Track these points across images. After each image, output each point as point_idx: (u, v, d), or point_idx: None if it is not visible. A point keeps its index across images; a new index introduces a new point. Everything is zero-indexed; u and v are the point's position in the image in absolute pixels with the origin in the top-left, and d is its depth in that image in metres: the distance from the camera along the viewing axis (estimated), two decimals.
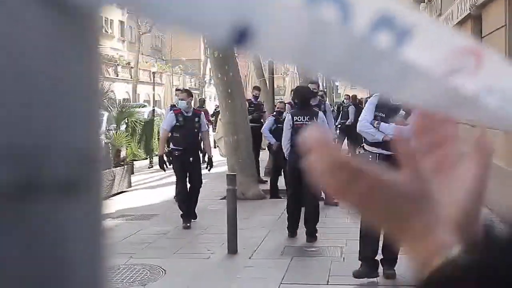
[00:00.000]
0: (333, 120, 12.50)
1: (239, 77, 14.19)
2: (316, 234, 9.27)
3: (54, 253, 0.52)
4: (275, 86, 21.20)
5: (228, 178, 8.94)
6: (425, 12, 25.59)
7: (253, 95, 16.86)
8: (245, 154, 13.70)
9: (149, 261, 8.19)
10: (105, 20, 61.73)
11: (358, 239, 7.42)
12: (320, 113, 9.87)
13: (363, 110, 7.73)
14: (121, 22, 68.34)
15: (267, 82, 20.47)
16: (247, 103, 15.76)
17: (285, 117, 13.58)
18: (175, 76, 61.25)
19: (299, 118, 9.40)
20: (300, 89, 10.75)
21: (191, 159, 10.44)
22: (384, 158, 7.19)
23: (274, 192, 13.73)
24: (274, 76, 20.02)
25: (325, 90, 36.45)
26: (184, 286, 7.21)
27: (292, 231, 9.53)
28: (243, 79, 18.14)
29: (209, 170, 10.92)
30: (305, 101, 9.78)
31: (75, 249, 0.56)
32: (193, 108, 11.05)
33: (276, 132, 13.17)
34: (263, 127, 14.42)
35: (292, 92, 10.56)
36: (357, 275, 7.20)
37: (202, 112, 11.45)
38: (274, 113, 13.92)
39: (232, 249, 8.54)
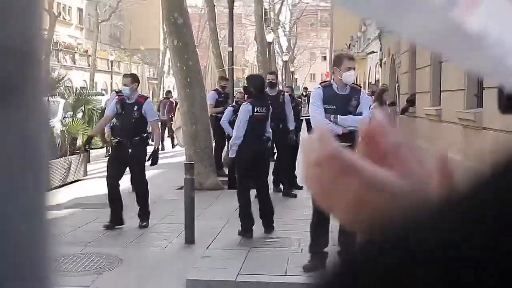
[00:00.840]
0: (292, 113, 12.45)
1: (199, 67, 14.11)
2: (273, 225, 9.23)
3: None
4: (234, 77, 21.13)
5: (186, 167, 8.85)
6: None
7: (221, 85, 16.47)
8: (203, 144, 13.63)
9: (105, 250, 8.09)
10: (63, 7, 61.01)
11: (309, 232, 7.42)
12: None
13: (310, 105, 7.60)
14: (80, 10, 67.59)
15: (227, 72, 20.41)
16: (216, 94, 15.63)
17: None
18: (133, 65, 60.85)
19: (259, 109, 9.14)
20: (256, 77, 10.57)
21: (129, 150, 9.49)
22: None
23: (232, 183, 13.68)
24: (234, 67, 19.91)
25: (285, 82, 36.49)
26: (140, 275, 7.13)
27: (249, 232, 8.99)
28: (202, 69, 18.04)
29: (151, 165, 9.98)
30: (262, 90, 9.62)
31: None
32: (138, 96, 9.97)
33: (233, 123, 13.14)
34: (222, 119, 14.36)
35: (246, 80, 10.19)
36: (308, 269, 7.18)
37: (147, 100, 10.25)
38: (233, 104, 13.87)
39: (189, 239, 8.48)
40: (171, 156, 19.08)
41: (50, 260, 0.55)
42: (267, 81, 13.40)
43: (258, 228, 9.33)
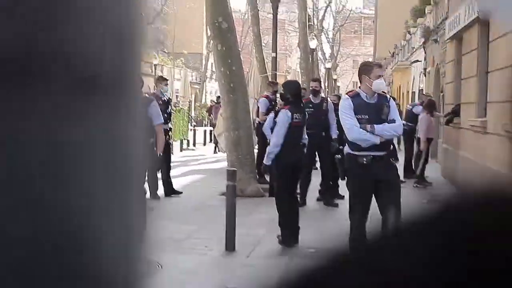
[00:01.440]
0: (335, 121, 12.31)
1: (242, 72, 14.05)
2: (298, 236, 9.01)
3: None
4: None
5: (228, 173, 8.78)
6: (431, 15, 25.50)
7: (272, 91, 15.84)
8: (245, 150, 13.56)
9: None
10: None
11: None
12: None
13: (341, 117, 7.47)
14: None
15: (269, 78, 20.36)
16: (267, 100, 15.31)
17: None
18: (176, 69, 61.13)
19: (298, 116, 8.97)
20: (292, 83, 10.37)
21: None
22: (377, 159, 7.10)
23: (273, 191, 13.60)
24: (277, 73, 19.88)
25: (327, 89, 36.36)
26: (179, 281, 7.08)
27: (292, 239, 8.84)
28: (245, 75, 18.01)
29: None
30: (299, 96, 9.44)
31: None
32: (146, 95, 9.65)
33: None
34: (264, 126, 14.28)
35: (282, 86, 9.97)
36: None
37: (154, 100, 10.30)
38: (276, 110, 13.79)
39: (230, 246, 8.41)
40: (213, 162, 19.05)
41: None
42: (311, 88, 13.31)
43: (300, 237, 9.25)
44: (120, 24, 0.47)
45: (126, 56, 0.48)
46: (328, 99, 13.89)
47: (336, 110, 13.43)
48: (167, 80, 14.15)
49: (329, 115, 12.56)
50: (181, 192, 12.75)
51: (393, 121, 7.18)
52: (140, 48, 0.50)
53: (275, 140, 8.85)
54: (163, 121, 10.50)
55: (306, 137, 9.35)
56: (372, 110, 7.14)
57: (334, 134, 12.28)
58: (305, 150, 9.52)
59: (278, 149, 8.75)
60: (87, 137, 0.45)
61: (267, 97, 15.49)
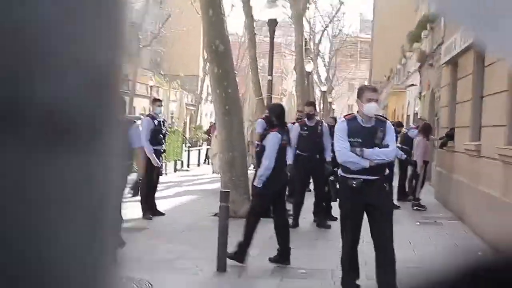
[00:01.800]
0: (330, 143, 12.34)
1: (238, 94, 14.11)
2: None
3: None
4: None
5: (222, 194, 8.81)
6: (427, 39, 25.63)
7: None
8: (239, 171, 13.58)
9: (136, 274, 8.05)
10: None
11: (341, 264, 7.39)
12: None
13: (334, 139, 7.50)
14: None
15: (265, 101, 20.42)
16: (265, 122, 15.13)
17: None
18: (172, 91, 61.22)
19: (284, 138, 9.09)
20: (277, 106, 10.30)
21: None
22: (369, 183, 7.12)
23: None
24: (272, 95, 19.91)
25: (322, 112, 36.45)
26: None
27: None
28: (241, 97, 18.05)
29: (132, 196, 9.33)
30: (283, 118, 9.46)
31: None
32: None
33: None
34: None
35: (268, 110, 10.00)
36: None
37: (136, 123, 10.04)
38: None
39: (222, 267, 8.42)
40: (207, 183, 19.06)
41: None
42: (305, 112, 13.38)
43: (292, 258, 9.27)
44: (100, 70, 0.48)
45: (105, 100, 0.49)
46: (323, 122, 13.93)
47: (332, 133, 13.55)
48: (161, 101, 14.26)
49: (324, 138, 12.64)
50: (164, 214, 12.68)
51: (387, 146, 7.19)
52: (120, 89, 0.51)
53: (267, 163, 8.86)
54: (142, 144, 10.16)
55: (291, 156, 9.47)
56: (366, 134, 7.16)
57: (328, 156, 12.33)
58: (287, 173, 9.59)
59: (270, 172, 8.78)
60: (60, 182, 0.46)
61: (264, 118, 15.38)
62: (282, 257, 8.91)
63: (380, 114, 7.70)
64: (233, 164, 13.51)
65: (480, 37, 0.69)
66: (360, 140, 7.13)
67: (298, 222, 12.49)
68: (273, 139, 8.89)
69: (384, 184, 7.33)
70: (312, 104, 14.11)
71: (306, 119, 13.03)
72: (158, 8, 56.61)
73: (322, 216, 12.71)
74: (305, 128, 12.69)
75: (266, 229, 11.82)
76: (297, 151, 12.39)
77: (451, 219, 14.15)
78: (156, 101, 13.78)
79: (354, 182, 7.10)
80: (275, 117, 9.16)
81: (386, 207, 7.24)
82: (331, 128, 14.12)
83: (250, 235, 8.93)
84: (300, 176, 12.70)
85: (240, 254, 8.80)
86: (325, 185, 12.75)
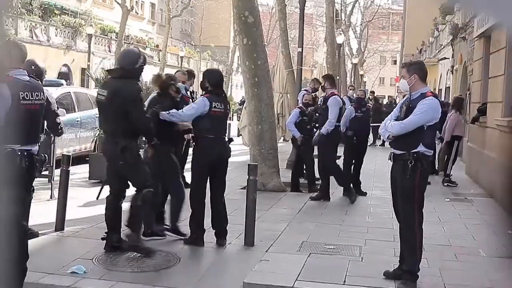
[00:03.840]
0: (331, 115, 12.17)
1: (267, 66, 13.95)
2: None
3: None
4: (302, 78, 21.01)
5: (250, 168, 8.74)
6: (459, 12, 25.25)
7: (313, 87, 15.09)
8: (268, 144, 13.51)
9: (164, 247, 8.05)
10: (136, 1, 61.76)
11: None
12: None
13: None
14: (152, 4, 68.36)
15: (295, 73, 20.31)
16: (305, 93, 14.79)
17: (310, 109, 13.44)
18: (203, 62, 61.27)
19: (217, 105, 8.39)
20: (214, 72, 9.38)
21: None
22: (394, 157, 7.05)
23: (295, 186, 13.59)
24: (303, 67, 19.80)
25: (353, 85, 36.19)
26: (197, 274, 7.07)
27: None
28: (271, 69, 17.94)
29: None
30: (221, 86, 8.74)
31: None
32: None
33: (301, 124, 13.04)
34: (288, 120, 14.29)
35: (203, 75, 8.80)
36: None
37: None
38: (300, 105, 13.74)
39: (249, 241, 8.39)
40: (237, 155, 18.97)
41: None
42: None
43: (319, 233, 9.23)
44: None
45: None
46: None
47: (363, 107, 13.59)
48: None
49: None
50: None
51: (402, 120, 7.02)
52: None
53: (180, 114, 8.37)
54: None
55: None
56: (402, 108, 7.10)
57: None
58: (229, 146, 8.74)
59: (174, 119, 8.34)
60: None
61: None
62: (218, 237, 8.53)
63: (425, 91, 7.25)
64: (262, 137, 13.44)
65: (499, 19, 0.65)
66: (398, 114, 7.10)
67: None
68: (199, 102, 8.45)
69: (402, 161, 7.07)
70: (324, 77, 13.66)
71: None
72: None
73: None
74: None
75: (295, 204, 11.81)
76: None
77: (482, 195, 13.98)
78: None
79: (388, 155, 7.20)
80: (209, 84, 8.52)
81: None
82: (361, 101, 14.04)
83: (194, 214, 8.52)
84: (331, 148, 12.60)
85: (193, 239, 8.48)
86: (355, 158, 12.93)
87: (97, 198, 8.19)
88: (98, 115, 8.10)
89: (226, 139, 8.69)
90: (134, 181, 7.64)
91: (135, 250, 7.62)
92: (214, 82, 8.54)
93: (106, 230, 7.81)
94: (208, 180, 8.50)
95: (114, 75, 7.85)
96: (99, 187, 8.23)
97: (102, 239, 7.82)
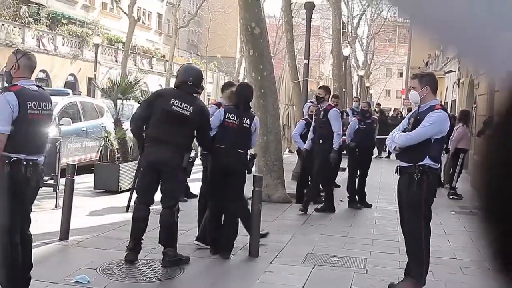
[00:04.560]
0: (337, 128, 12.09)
1: (273, 77, 13.95)
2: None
3: None
4: (308, 89, 21.01)
5: (255, 179, 8.74)
6: None
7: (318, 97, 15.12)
8: (274, 156, 13.49)
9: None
10: (143, 11, 61.89)
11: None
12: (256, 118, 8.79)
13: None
14: (159, 15, 68.54)
15: (301, 84, 20.32)
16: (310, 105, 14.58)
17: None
18: (209, 73, 61.25)
19: (231, 117, 8.45)
20: (242, 86, 9.37)
21: None
22: (400, 170, 7.02)
23: (300, 197, 13.57)
24: (309, 79, 19.81)
25: (359, 97, 36.23)
26: (203, 285, 7.05)
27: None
28: (277, 80, 17.94)
29: None
30: (242, 99, 8.70)
31: None
32: None
33: (306, 136, 13.02)
34: (293, 132, 14.30)
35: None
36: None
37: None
38: (306, 117, 13.73)
39: (254, 252, 8.38)
40: None
41: None
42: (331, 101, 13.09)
43: (324, 245, 9.20)
44: None
45: None
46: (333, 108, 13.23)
47: (367, 119, 13.53)
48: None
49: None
50: (197, 196, 12.10)
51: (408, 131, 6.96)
52: None
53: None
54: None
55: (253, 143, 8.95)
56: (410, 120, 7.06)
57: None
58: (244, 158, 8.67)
59: None
60: None
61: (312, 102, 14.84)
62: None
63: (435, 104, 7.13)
64: (268, 148, 13.43)
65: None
66: (406, 126, 7.07)
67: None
68: (213, 112, 8.62)
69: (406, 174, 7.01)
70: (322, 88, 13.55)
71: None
72: None
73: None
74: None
75: (300, 215, 11.80)
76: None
77: None
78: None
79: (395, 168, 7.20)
80: (238, 99, 8.67)
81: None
82: (365, 112, 13.97)
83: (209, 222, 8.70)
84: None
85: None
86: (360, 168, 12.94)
87: (126, 211, 8.31)
88: (161, 123, 7.73)
89: (245, 152, 8.67)
90: (173, 195, 7.86)
91: (178, 264, 7.63)
92: (237, 96, 8.72)
93: (130, 240, 7.79)
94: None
95: (189, 90, 7.90)
96: (127, 199, 8.43)
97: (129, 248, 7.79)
